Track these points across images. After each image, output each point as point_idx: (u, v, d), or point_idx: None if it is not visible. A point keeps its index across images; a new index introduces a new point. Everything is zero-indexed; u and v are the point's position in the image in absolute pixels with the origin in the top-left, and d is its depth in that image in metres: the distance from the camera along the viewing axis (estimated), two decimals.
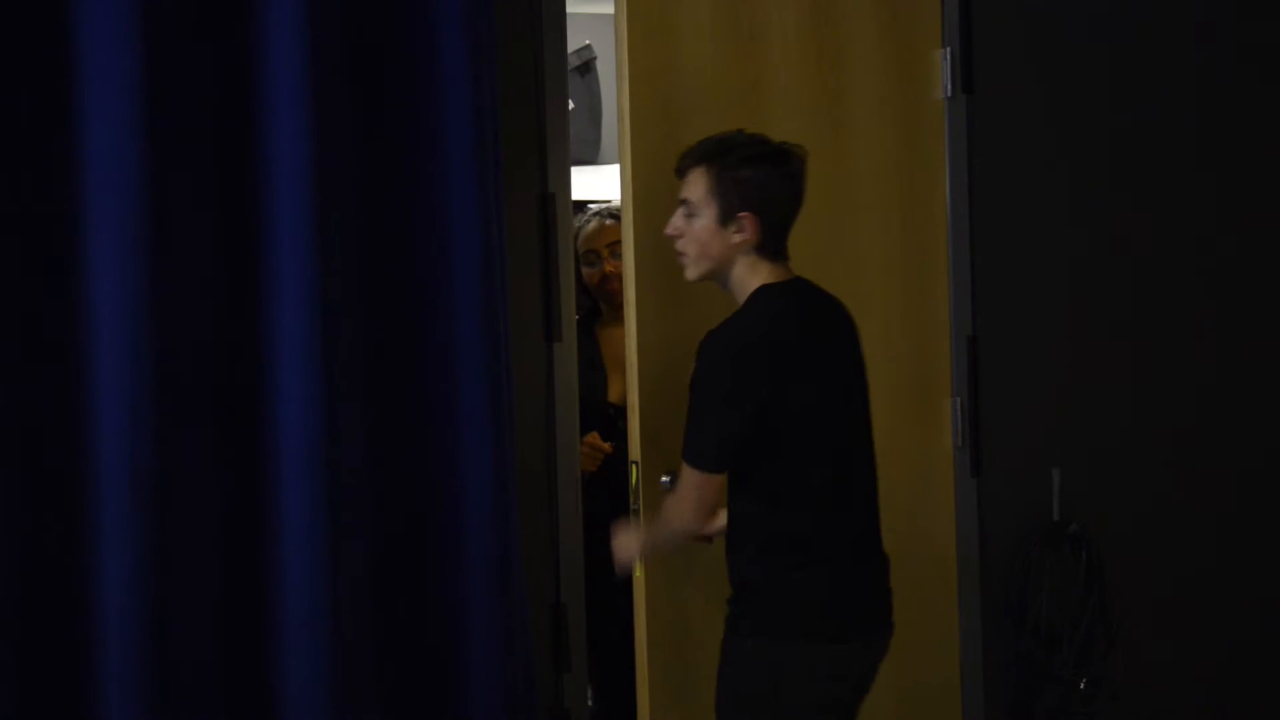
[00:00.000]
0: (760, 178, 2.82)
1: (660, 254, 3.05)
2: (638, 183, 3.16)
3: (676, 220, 2.90)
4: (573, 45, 3.97)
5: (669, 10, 3.30)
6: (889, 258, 3.52)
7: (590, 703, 3.67)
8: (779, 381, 2.76)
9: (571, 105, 3.55)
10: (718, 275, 2.88)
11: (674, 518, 2.83)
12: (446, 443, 3.10)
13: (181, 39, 2.88)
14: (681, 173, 2.91)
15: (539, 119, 3.41)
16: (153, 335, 2.83)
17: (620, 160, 3.25)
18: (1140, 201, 3.63)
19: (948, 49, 3.54)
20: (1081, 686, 3.58)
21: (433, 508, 3.11)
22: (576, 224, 3.69)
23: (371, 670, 3.02)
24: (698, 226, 2.85)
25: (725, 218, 2.82)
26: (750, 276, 2.85)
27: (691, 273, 2.90)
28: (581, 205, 3.87)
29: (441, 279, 3.09)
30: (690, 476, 2.77)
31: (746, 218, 2.81)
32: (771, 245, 2.85)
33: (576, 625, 3.45)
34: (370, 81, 3.06)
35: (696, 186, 2.85)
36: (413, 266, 3.09)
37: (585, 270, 3.74)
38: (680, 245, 2.90)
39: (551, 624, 3.43)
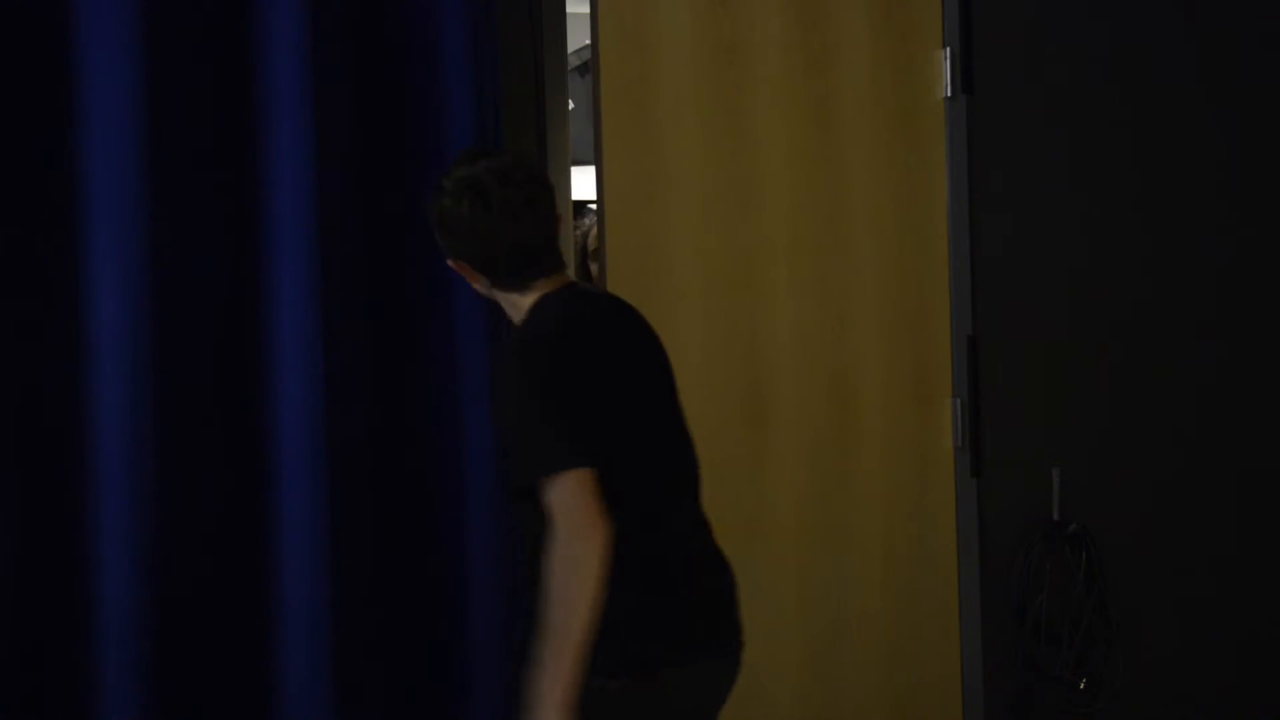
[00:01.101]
0: (454, 222, 2.50)
1: (636, 262, 3.06)
2: (613, 195, 3.20)
3: None
4: (573, 45, 3.97)
5: (645, 20, 3.34)
6: (889, 258, 3.53)
7: None
8: (585, 378, 2.46)
9: (571, 105, 3.55)
10: (493, 300, 2.62)
11: (569, 551, 2.33)
12: (447, 442, 3.10)
13: (181, 39, 2.88)
14: None
15: (539, 119, 3.41)
16: (153, 335, 2.83)
17: (596, 174, 3.31)
18: (1140, 201, 3.64)
19: (948, 49, 3.54)
20: (1081, 686, 3.58)
21: (433, 507, 3.12)
22: (586, 224, 3.70)
23: (371, 669, 3.02)
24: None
25: (453, 261, 2.56)
26: (519, 302, 2.55)
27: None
28: (581, 205, 3.89)
29: (442, 279, 3.09)
30: (560, 487, 2.34)
31: (457, 265, 2.54)
32: (511, 280, 2.53)
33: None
34: (370, 81, 3.06)
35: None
36: (413, 266, 3.09)
37: (594, 266, 3.75)
38: None
39: None
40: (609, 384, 2.49)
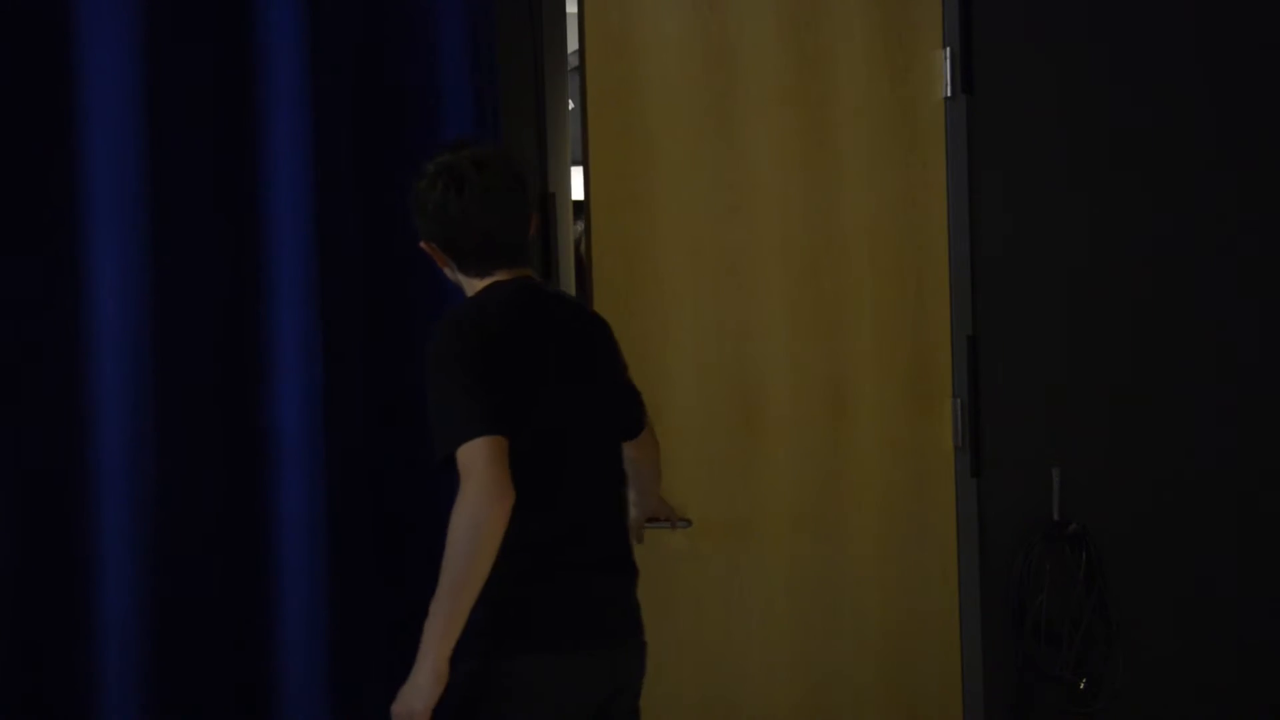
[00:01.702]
0: (427, 203, 2.61)
1: (622, 262, 3.07)
2: (599, 196, 3.24)
3: None
4: (573, 45, 3.97)
5: (632, 24, 3.39)
6: (888, 258, 3.54)
7: None
8: (507, 363, 2.53)
9: (571, 105, 3.55)
10: (459, 285, 2.72)
11: (472, 510, 2.41)
12: None
13: (181, 39, 2.88)
14: None
15: (539, 119, 3.42)
16: (153, 335, 2.83)
17: (583, 175, 3.35)
18: (1141, 201, 3.64)
19: (948, 49, 3.54)
20: (1081, 686, 3.58)
21: (433, 507, 3.11)
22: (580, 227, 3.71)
23: (372, 669, 3.02)
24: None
25: (424, 243, 2.67)
26: (477, 285, 2.66)
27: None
28: (582, 205, 3.88)
29: (442, 279, 3.09)
30: (471, 450, 2.43)
31: (427, 248, 2.66)
32: (475, 266, 2.64)
33: None
34: (370, 81, 3.06)
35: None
36: (413, 266, 3.09)
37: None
38: None
39: None
40: (528, 370, 2.55)
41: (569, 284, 3.45)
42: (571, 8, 3.57)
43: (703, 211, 3.47)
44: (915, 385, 3.55)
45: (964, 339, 3.56)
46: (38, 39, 2.81)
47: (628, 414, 2.86)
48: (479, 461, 2.43)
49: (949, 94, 3.55)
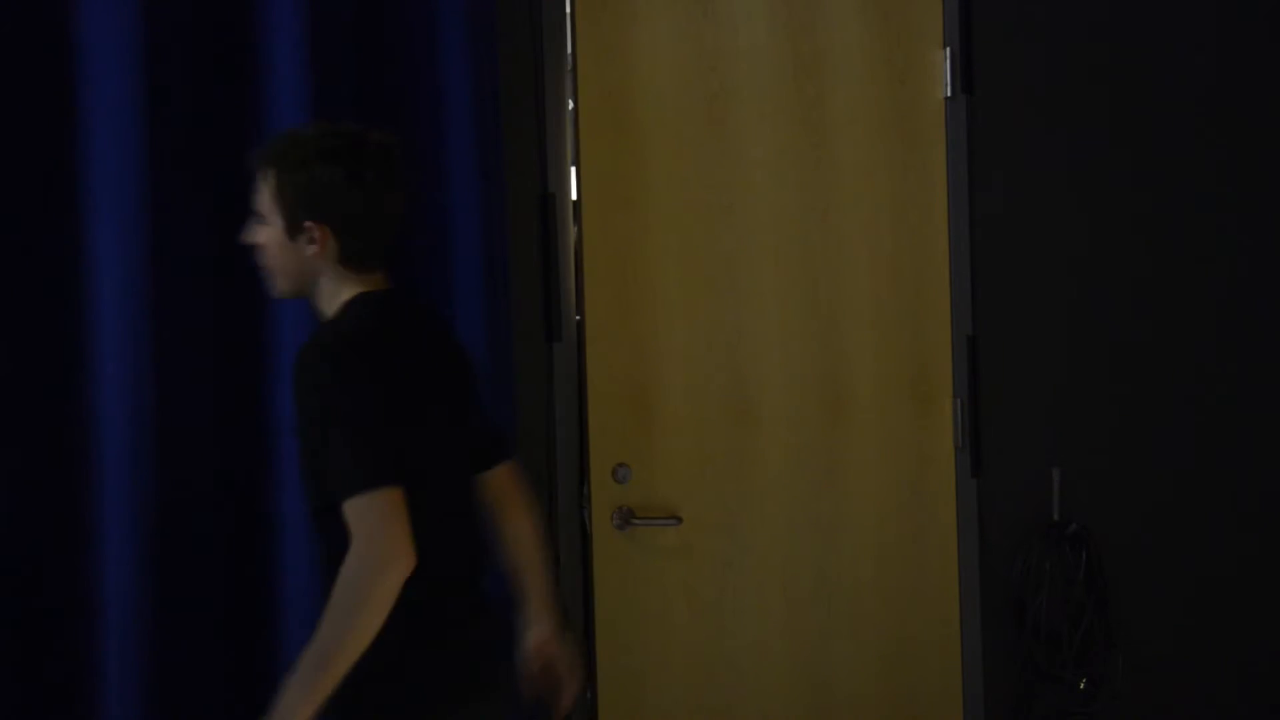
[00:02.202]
0: (324, 180, 2.39)
1: (613, 263, 3.08)
2: (590, 198, 3.25)
3: (252, 232, 2.49)
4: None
5: (623, 29, 3.41)
6: (887, 258, 3.54)
7: None
8: (397, 395, 2.33)
9: (571, 105, 3.56)
10: (305, 291, 2.47)
11: (366, 579, 2.19)
12: None
13: (181, 39, 2.88)
14: (256, 175, 2.48)
15: (539, 119, 3.42)
16: (153, 334, 2.83)
17: (575, 178, 3.38)
18: (1140, 201, 3.64)
19: (948, 49, 3.54)
20: (1081, 686, 3.58)
21: None
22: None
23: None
24: (269, 239, 2.45)
25: (292, 229, 2.42)
26: (340, 289, 2.44)
27: (277, 288, 2.49)
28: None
29: (442, 279, 3.09)
30: (367, 506, 2.20)
31: (315, 228, 2.40)
32: (358, 256, 2.43)
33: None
34: (370, 81, 3.06)
35: (263, 193, 2.45)
36: (413, 266, 3.09)
37: None
38: (260, 260, 2.49)
39: None
40: (414, 403, 2.36)
41: (569, 284, 3.45)
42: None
43: (696, 212, 3.48)
44: (915, 385, 3.55)
45: (964, 339, 3.56)
46: (38, 39, 2.81)
47: (493, 444, 2.68)
48: (375, 521, 2.20)
49: (949, 94, 3.55)
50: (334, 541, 2.29)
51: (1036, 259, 3.60)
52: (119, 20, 2.79)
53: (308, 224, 2.41)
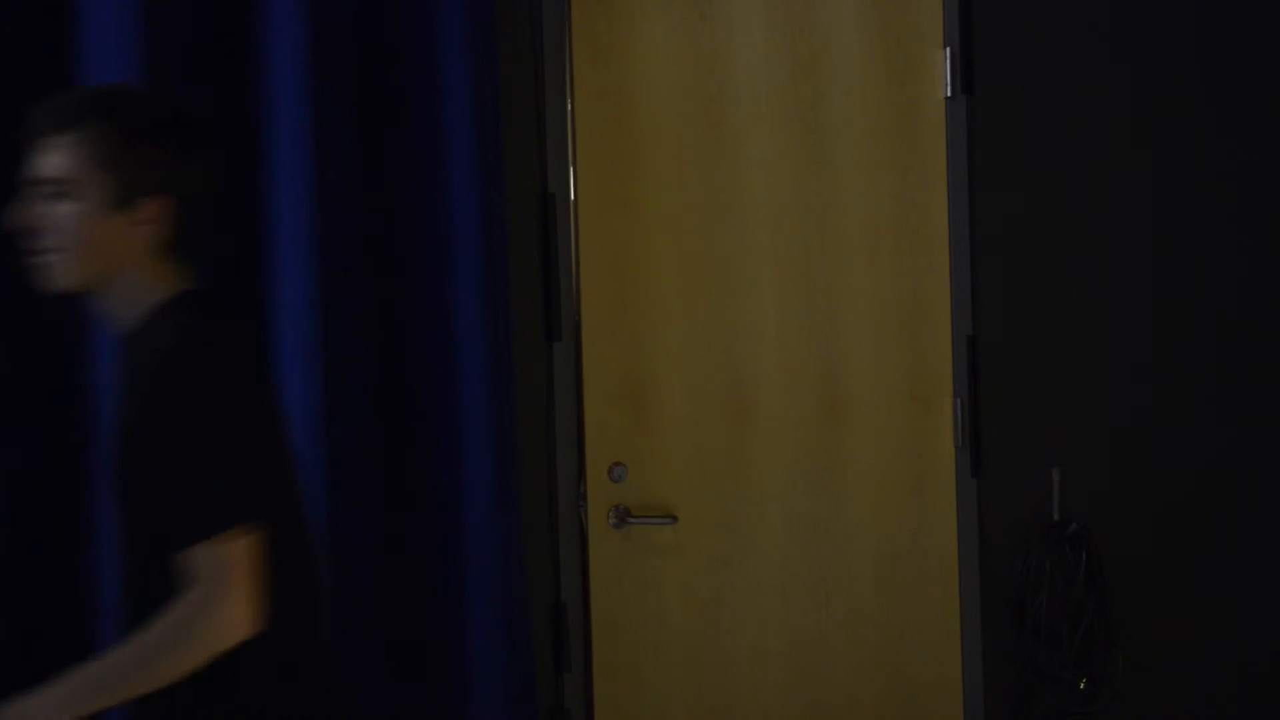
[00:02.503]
0: (174, 148, 2.05)
1: (609, 264, 3.08)
2: (587, 198, 3.26)
3: (37, 207, 2.05)
4: None
5: (619, 31, 3.41)
6: (887, 258, 3.54)
7: None
8: (246, 411, 2.01)
9: (570, 105, 3.56)
10: (104, 281, 2.06)
11: (202, 626, 1.89)
12: (447, 442, 3.10)
13: (181, 39, 2.88)
14: (41, 137, 2.06)
15: (539, 119, 3.42)
16: None
17: (571, 179, 3.38)
18: (1141, 201, 3.63)
19: (948, 49, 3.54)
20: (1081, 686, 3.58)
21: (433, 507, 3.11)
22: None
23: (371, 670, 3.02)
24: (73, 214, 2.02)
25: (122, 202, 2.02)
26: (155, 283, 2.07)
27: (64, 277, 2.04)
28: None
29: (442, 279, 3.09)
30: (222, 552, 1.90)
31: (156, 204, 2.04)
32: (181, 243, 2.12)
33: (576, 625, 3.46)
34: (370, 81, 3.06)
35: (68, 157, 2.02)
36: (413, 266, 3.09)
37: None
38: (46, 241, 2.04)
39: (551, 624, 3.43)
40: (266, 420, 2.04)
41: (569, 284, 3.45)
42: None
43: (695, 212, 3.48)
44: (915, 385, 3.55)
45: (964, 339, 3.56)
46: (38, 40, 2.81)
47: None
48: (226, 565, 1.90)
49: (949, 94, 3.55)
50: (165, 566, 1.99)
51: (1037, 259, 3.60)
52: (119, 20, 2.79)
53: (147, 199, 2.04)
